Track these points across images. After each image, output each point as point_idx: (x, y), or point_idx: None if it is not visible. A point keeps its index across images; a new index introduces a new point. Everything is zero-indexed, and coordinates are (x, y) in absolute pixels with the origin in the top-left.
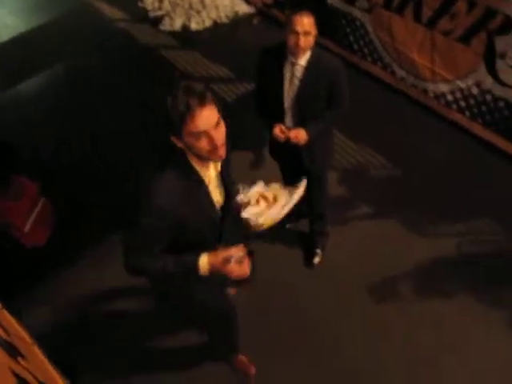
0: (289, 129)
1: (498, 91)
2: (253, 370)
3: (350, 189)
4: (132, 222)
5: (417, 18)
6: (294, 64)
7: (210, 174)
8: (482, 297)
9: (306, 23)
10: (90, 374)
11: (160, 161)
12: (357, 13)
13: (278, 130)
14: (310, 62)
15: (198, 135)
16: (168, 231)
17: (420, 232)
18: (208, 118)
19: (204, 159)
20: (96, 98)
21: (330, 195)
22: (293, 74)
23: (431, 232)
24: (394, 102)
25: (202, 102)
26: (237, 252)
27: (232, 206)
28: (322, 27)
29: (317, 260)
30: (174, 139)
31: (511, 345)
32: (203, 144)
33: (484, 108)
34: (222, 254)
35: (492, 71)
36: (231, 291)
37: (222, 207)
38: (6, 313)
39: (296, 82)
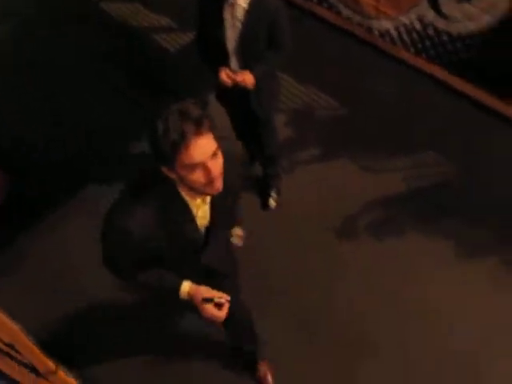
0: (235, 73)
1: (441, 25)
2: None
3: (298, 130)
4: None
5: None
6: (233, 5)
7: (199, 203)
8: (431, 229)
9: None
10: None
11: (142, 183)
12: None
13: (224, 75)
14: (250, 4)
15: (193, 167)
16: (138, 251)
17: (368, 169)
18: (205, 148)
19: (197, 192)
20: (37, 54)
21: (279, 138)
22: (233, 17)
23: (379, 169)
24: (340, 41)
25: (199, 130)
26: (219, 297)
27: (216, 230)
28: None
29: (273, 203)
30: (164, 170)
31: (464, 273)
32: (198, 176)
33: (428, 43)
34: (205, 292)
35: (434, 5)
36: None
37: (207, 228)
38: None
39: (238, 24)
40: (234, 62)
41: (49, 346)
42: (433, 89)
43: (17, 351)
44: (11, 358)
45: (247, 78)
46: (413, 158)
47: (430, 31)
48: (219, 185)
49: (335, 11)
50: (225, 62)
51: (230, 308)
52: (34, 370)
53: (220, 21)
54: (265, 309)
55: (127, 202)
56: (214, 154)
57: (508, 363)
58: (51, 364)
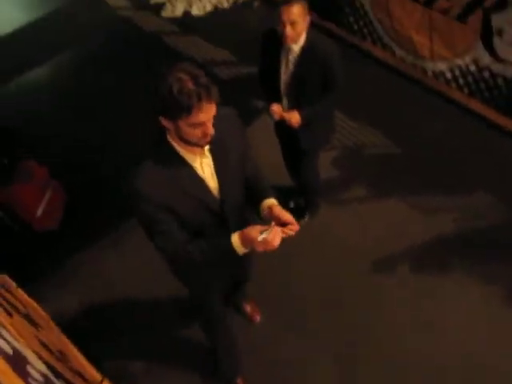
0: (284, 110)
1: (496, 68)
2: None
3: (349, 166)
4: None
5: None
6: (288, 49)
7: (201, 161)
8: (479, 271)
9: (292, 13)
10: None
11: (150, 151)
12: None
13: (273, 108)
14: (303, 48)
15: (197, 125)
16: (165, 213)
17: (418, 208)
18: (211, 113)
19: (190, 144)
20: (100, 86)
21: (329, 173)
22: (288, 60)
23: (428, 208)
24: (395, 81)
25: (210, 97)
26: (269, 231)
27: (231, 194)
28: (322, 9)
29: (302, 223)
30: (162, 119)
31: (508, 318)
32: (197, 133)
33: (482, 85)
34: (254, 233)
35: (489, 48)
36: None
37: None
38: (21, 291)
39: (291, 66)
40: (285, 100)
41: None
42: (486, 130)
43: (67, 359)
44: (65, 363)
45: (293, 118)
46: (464, 199)
47: (486, 74)
48: (209, 138)
49: (389, 51)
50: (278, 99)
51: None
52: (82, 377)
53: (277, 61)
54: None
55: (138, 168)
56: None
57: None
58: (97, 375)
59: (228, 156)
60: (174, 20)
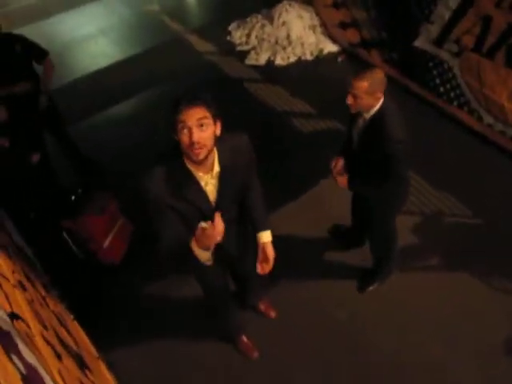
0: (341, 168)
1: None
2: (255, 354)
3: (424, 235)
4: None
5: (509, 62)
6: (361, 114)
7: (207, 180)
8: None
9: (354, 87)
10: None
11: (161, 155)
12: (444, 55)
13: (333, 162)
14: (372, 119)
15: (182, 127)
16: (165, 210)
17: (494, 288)
18: (192, 115)
19: (191, 160)
20: None
21: (403, 239)
22: (359, 124)
23: (509, 290)
24: (480, 148)
25: (191, 102)
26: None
27: (225, 206)
28: (408, 69)
29: (370, 289)
30: (172, 134)
31: None
32: (185, 138)
33: None
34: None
35: None
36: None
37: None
38: (76, 324)
39: (359, 132)
40: (352, 158)
41: None
42: None
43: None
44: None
45: (339, 180)
46: None
47: None
48: (198, 152)
49: (476, 117)
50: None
51: (243, 272)
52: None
53: (354, 122)
54: None
55: (151, 171)
56: (201, 124)
57: None
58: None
59: (233, 181)
60: (257, 68)
